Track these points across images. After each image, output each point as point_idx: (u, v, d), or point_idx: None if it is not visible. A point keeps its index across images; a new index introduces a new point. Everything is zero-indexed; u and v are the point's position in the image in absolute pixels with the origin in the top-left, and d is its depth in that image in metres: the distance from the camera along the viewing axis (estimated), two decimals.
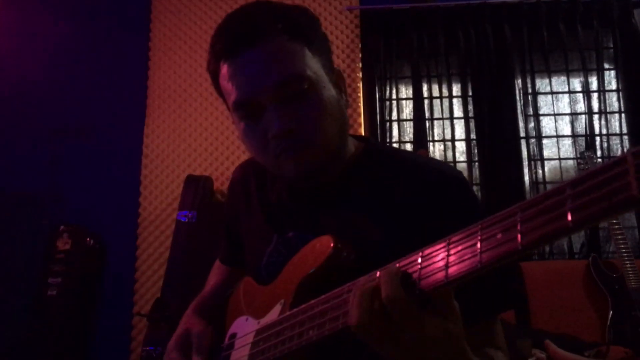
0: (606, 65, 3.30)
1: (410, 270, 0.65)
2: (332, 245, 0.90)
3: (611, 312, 2.56)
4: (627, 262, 2.59)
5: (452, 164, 3.18)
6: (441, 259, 0.60)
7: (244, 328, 1.06)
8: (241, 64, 0.92)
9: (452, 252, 0.59)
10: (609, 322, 2.54)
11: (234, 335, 1.09)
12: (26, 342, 2.84)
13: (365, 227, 0.97)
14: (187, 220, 2.88)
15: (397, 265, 0.68)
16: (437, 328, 0.65)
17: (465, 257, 0.56)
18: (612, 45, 3.30)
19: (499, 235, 0.53)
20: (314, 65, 0.93)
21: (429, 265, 0.62)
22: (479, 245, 0.55)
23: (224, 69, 0.95)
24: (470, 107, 3.30)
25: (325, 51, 0.99)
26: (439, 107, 3.33)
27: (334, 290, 0.79)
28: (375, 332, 0.66)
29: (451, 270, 0.58)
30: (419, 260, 0.64)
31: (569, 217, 0.46)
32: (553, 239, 0.48)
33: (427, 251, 0.64)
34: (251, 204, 1.17)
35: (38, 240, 3.08)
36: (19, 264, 3.14)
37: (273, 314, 0.97)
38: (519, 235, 0.50)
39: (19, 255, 3.16)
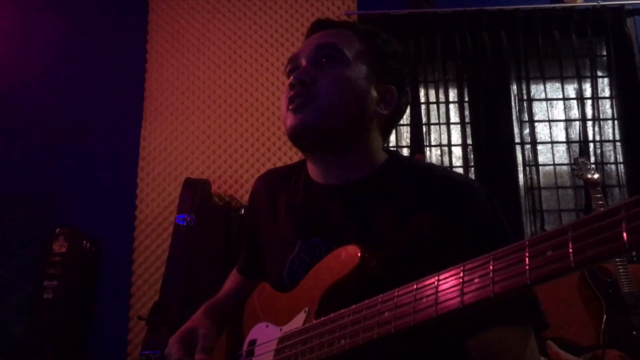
0: (599, 73, 3.35)
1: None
2: (359, 254, 0.91)
3: (605, 316, 2.59)
4: (620, 267, 2.63)
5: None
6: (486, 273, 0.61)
7: (265, 335, 1.06)
8: (310, 38, 1.12)
9: (496, 267, 0.61)
10: (603, 326, 2.57)
11: (253, 342, 1.09)
12: (22, 345, 2.82)
13: (389, 236, 0.97)
14: (185, 224, 2.87)
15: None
16: None
17: (513, 273, 0.58)
18: (605, 53, 3.35)
19: (549, 253, 0.55)
20: (358, 57, 1.05)
21: (472, 279, 0.63)
22: (527, 261, 0.57)
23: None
24: (467, 113, 3.32)
25: (384, 68, 1.09)
26: (436, 112, 3.35)
27: (367, 301, 0.80)
28: None
29: (497, 286, 0.60)
30: (461, 274, 0.65)
31: (625, 238, 0.48)
32: (607, 258, 0.50)
33: (468, 265, 0.65)
34: (276, 211, 1.18)
35: (34, 243, 3.05)
36: (15, 267, 3.10)
37: (297, 322, 0.97)
38: (571, 254, 0.52)
39: (14, 258, 3.12)
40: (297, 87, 1.02)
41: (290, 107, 1.03)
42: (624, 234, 0.48)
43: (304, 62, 1.07)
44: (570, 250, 0.52)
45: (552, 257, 0.54)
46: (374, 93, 1.06)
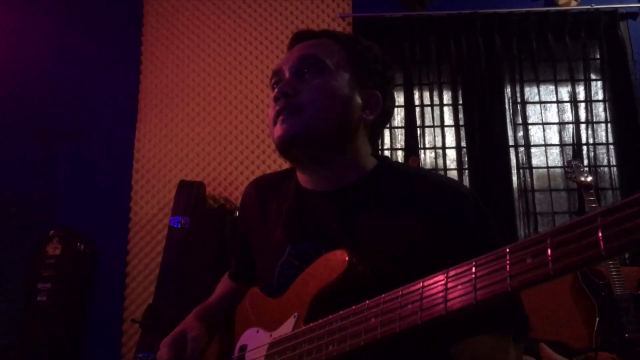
0: (593, 76, 3.37)
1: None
2: (347, 259, 0.91)
3: (598, 319, 2.60)
4: (613, 269, 2.63)
5: (443, 172, 3.23)
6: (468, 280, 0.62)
7: (255, 340, 1.06)
8: (292, 50, 1.13)
9: (478, 274, 0.61)
10: (595, 328, 2.58)
11: (244, 348, 1.09)
12: (16, 348, 2.81)
13: (379, 241, 0.98)
14: (179, 226, 2.87)
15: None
16: None
17: (495, 280, 0.58)
18: (598, 56, 3.37)
19: (529, 260, 0.55)
20: (340, 65, 1.06)
21: (455, 286, 0.64)
22: (508, 268, 0.57)
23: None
24: (461, 115, 3.34)
25: (367, 74, 1.10)
26: (430, 114, 3.36)
27: (354, 307, 0.80)
28: None
29: (479, 293, 0.60)
30: (445, 280, 0.66)
31: (602, 246, 0.48)
32: (584, 265, 0.50)
33: (452, 272, 0.66)
34: (267, 216, 1.18)
35: (28, 245, 3.04)
36: (9, 269, 3.10)
37: (286, 327, 0.97)
38: (550, 262, 0.52)
39: (8, 260, 3.11)
40: (281, 100, 1.04)
41: (276, 120, 1.04)
42: (601, 242, 0.48)
43: (286, 74, 1.08)
44: (549, 257, 0.53)
45: (531, 265, 0.54)
46: (358, 99, 1.07)
